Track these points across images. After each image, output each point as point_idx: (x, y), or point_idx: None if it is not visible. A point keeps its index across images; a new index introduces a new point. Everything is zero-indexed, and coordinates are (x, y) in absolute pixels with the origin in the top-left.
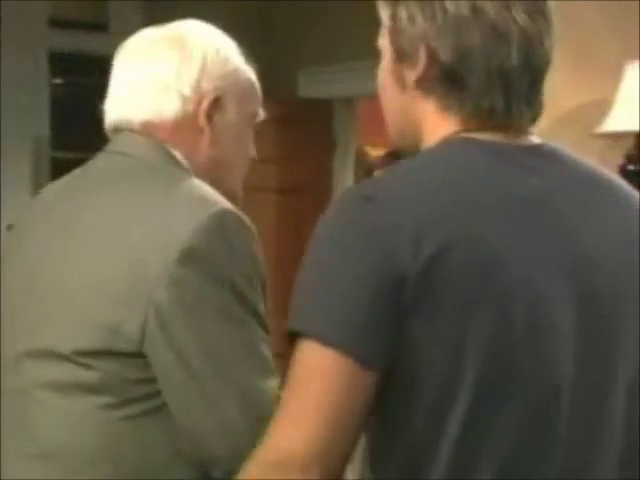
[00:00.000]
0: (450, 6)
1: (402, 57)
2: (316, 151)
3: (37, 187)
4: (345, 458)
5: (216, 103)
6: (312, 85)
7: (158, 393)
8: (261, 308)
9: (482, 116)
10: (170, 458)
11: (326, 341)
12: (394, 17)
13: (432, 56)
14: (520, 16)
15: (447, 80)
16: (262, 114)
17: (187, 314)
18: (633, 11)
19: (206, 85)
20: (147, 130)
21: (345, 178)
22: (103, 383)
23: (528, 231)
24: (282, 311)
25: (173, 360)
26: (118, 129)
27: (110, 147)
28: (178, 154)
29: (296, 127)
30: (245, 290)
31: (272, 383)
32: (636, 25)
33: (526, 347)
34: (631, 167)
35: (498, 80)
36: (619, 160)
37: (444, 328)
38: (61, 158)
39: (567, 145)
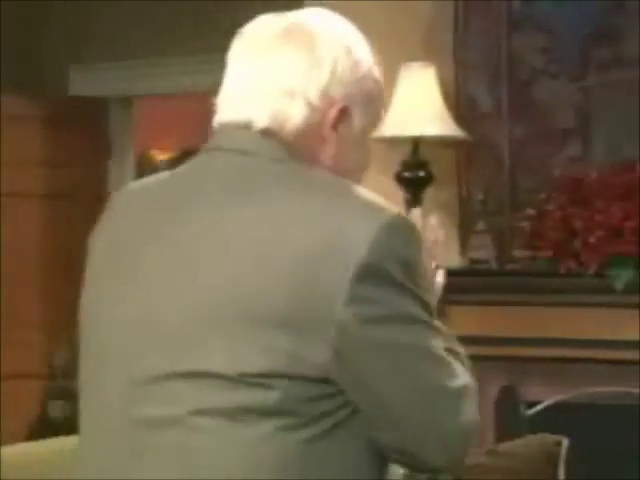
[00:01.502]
0: None
1: None
2: (89, 153)
3: None
4: None
5: (343, 112)
6: (85, 82)
7: (340, 407)
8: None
9: None
10: (350, 474)
11: None
12: None
13: None
14: None
15: None
16: (384, 114)
17: (373, 330)
18: (409, 13)
19: (335, 92)
20: (269, 135)
21: (122, 183)
22: (281, 404)
23: None
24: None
25: (371, 375)
26: (237, 128)
27: (223, 144)
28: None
29: (67, 127)
30: (421, 293)
31: (461, 380)
32: (412, 27)
33: None
34: (406, 174)
35: None
36: (398, 167)
37: None
38: None
39: None
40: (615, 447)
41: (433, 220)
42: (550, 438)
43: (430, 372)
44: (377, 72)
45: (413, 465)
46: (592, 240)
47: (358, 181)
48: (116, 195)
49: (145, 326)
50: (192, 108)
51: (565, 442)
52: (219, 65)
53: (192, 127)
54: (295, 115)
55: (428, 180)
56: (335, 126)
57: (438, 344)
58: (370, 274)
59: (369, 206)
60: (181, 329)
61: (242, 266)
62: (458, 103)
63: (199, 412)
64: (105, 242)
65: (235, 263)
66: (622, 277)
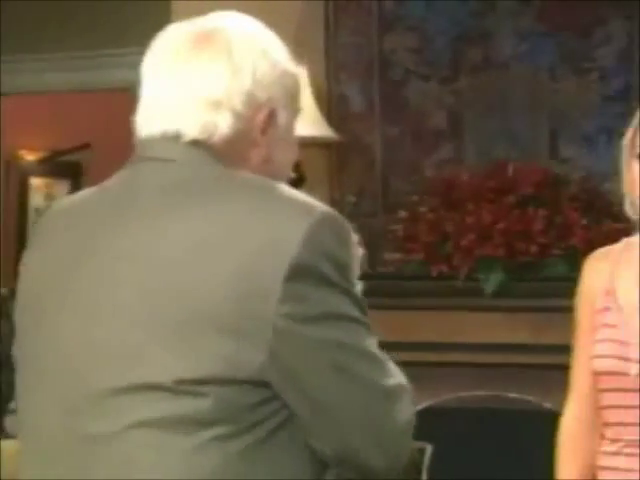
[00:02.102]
0: None
1: None
2: None
3: None
4: None
5: (270, 116)
6: None
7: (276, 412)
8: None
9: None
10: None
11: None
12: None
13: None
14: None
15: None
16: (302, 106)
17: (307, 330)
18: (280, 12)
19: (259, 97)
20: (198, 145)
21: None
22: (216, 412)
23: None
24: None
25: (306, 375)
26: (166, 139)
27: (156, 155)
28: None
29: None
30: (355, 292)
31: (397, 379)
32: (282, 26)
33: None
34: None
35: None
36: None
37: None
38: None
39: None
40: (485, 451)
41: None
42: (414, 445)
43: (365, 371)
44: (293, 66)
45: (353, 469)
46: (463, 243)
47: (288, 177)
48: (44, 217)
49: (85, 344)
50: (63, 108)
51: (429, 449)
52: (91, 64)
53: (63, 127)
54: (222, 125)
55: (300, 182)
56: (264, 130)
57: (372, 343)
58: (303, 273)
59: (300, 205)
60: (120, 343)
61: (179, 274)
62: (330, 103)
63: (139, 425)
64: (37, 267)
65: (172, 272)
66: (492, 280)
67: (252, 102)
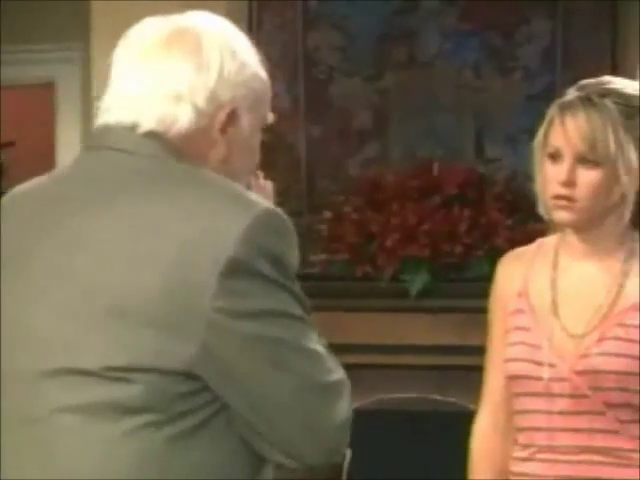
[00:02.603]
0: None
1: None
2: None
3: None
4: None
5: (232, 115)
6: None
7: (205, 405)
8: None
9: None
10: (217, 474)
11: None
12: None
13: None
14: None
15: None
16: (271, 116)
17: (242, 325)
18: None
19: (222, 96)
20: (153, 137)
21: None
22: (144, 400)
23: None
24: None
25: (243, 371)
26: (121, 129)
27: (109, 144)
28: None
29: None
30: (295, 288)
31: (337, 375)
32: None
33: None
34: None
35: None
36: None
37: None
38: None
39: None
40: (408, 453)
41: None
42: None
43: (303, 367)
44: (263, 73)
45: (288, 462)
46: (388, 243)
47: (248, 181)
48: (3, 201)
49: (19, 328)
50: None
51: (348, 453)
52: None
53: None
54: (182, 119)
55: None
56: (224, 129)
57: (312, 338)
58: (239, 269)
59: (240, 200)
60: (51, 327)
61: (115, 263)
62: None
63: (62, 410)
64: None
65: (108, 261)
66: (416, 282)
67: (215, 100)
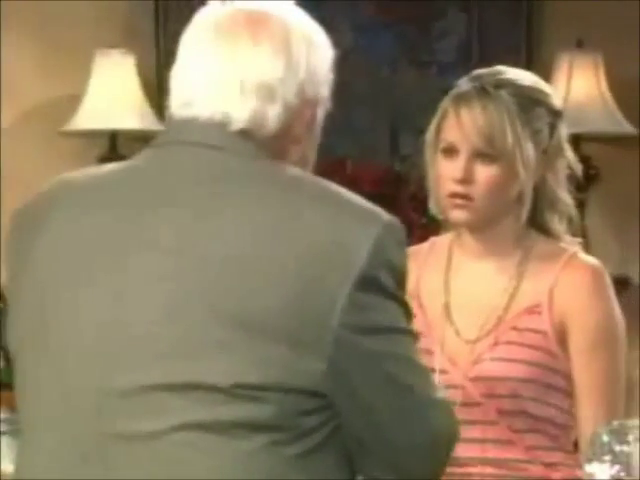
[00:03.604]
0: None
1: None
2: None
3: None
4: None
5: (316, 112)
6: None
7: (328, 421)
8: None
9: None
10: None
11: None
12: None
13: None
14: None
15: None
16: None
17: (368, 341)
18: None
19: (308, 92)
20: (246, 135)
21: None
22: (273, 418)
23: None
24: None
25: (364, 388)
26: (212, 125)
27: (200, 140)
28: None
29: None
30: (408, 301)
31: (442, 394)
32: (110, 11)
33: None
34: None
35: None
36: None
37: None
38: None
39: (36, 144)
40: None
41: None
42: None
43: (417, 383)
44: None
45: (389, 478)
46: None
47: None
48: (53, 190)
49: (121, 334)
50: None
51: None
52: None
53: None
54: (273, 117)
55: None
56: (310, 127)
57: (419, 354)
58: (369, 283)
59: (366, 210)
60: (165, 338)
61: (236, 273)
62: (160, 95)
63: (185, 426)
64: (57, 244)
65: (229, 270)
66: None
67: (302, 96)
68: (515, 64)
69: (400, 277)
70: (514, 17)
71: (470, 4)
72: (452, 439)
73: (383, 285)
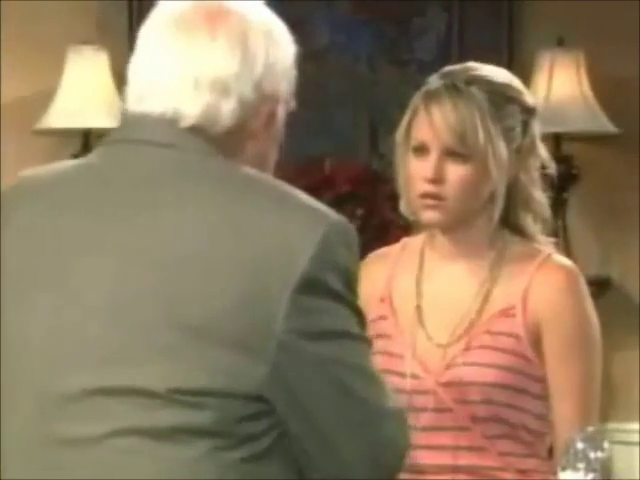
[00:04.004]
0: None
1: None
2: None
3: None
4: None
5: (274, 108)
6: None
7: (271, 428)
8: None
9: None
10: None
11: None
12: None
13: None
14: None
15: None
16: (294, 104)
17: (312, 346)
18: None
19: (266, 87)
20: (198, 131)
21: None
22: (214, 424)
23: None
24: None
25: (309, 394)
26: (162, 122)
27: (152, 137)
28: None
29: None
30: (359, 305)
31: (394, 402)
32: (83, 6)
33: None
34: None
35: None
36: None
37: None
38: None
39: (8, 144)
40: None
41: None
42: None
43: (366, 391)
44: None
45: None
46: None
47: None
48: (11, 192)
49: (67, 338)
50: None
51: None
52: None
53: None
54: (227, 112)
55: None
56: (267, 123)
57: (371, 360)
58: (313, 286)
59: (313, 210)
60: (111, 342)
61: (181, 277)
62: None
63: (124, 432)
64: (13, 245)
65: (174, 274)
66: None
67: (259, 92)
68: (496, 62)
69: (350, 280)
70: (495, 15)
71: (450, 2)
72: (404, 451)
73: (330, 287)
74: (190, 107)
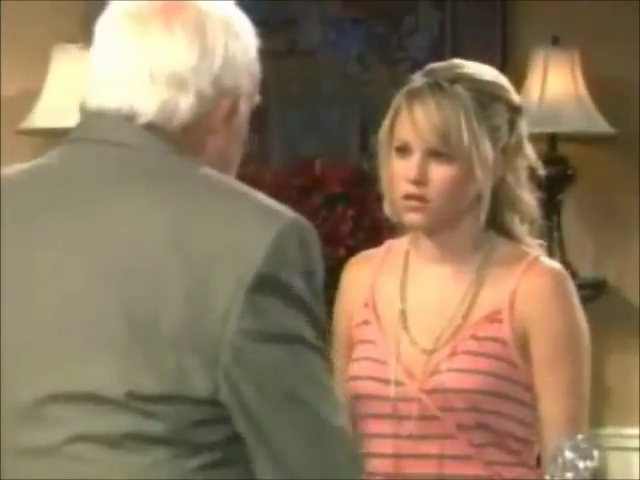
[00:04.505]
0: None
1: None
2: None
3: None
4: None
5: (235, 103)
6: None
7: (229, 435)
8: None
9: None
10: None
11: None
12: None
13: None
14: None
15: None
16: (259, 98)
17: (263, 349)
18: None
19: (226, 82)
20: (154, 128)
21: None
22: (169, 431)
23: None
24: None
25: (257, 401)
26: (118, 119)
27: (104, 137)
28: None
29: None
30: (317, 310)
31: (342, 420)
32: (69, 4)
33: None
34: None
35: None
36: None
37: None
38: None
39: None
40: None
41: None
42: None
43: (316, 404)
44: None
45: None
46: None
47: (234, 174)
48: None
49: (19, 344)
50: None
51: None
52: None
53: None
54: (185, 108)
55: None
56: (227, 118)
57: (325, 371)
58: (266, 285)
59: (265, 210)
60: (61, 347)
61: (133, 278)
62: None
63: (79, 438)
64: None
65: (125, 275)
66: None
67: (218, 86)
68: (489, 61)
69: (307, 280)
70: (488, 13)
71: (442, 0)
72: (358, 474)
73: (284, 287)
74: (146, 103)
